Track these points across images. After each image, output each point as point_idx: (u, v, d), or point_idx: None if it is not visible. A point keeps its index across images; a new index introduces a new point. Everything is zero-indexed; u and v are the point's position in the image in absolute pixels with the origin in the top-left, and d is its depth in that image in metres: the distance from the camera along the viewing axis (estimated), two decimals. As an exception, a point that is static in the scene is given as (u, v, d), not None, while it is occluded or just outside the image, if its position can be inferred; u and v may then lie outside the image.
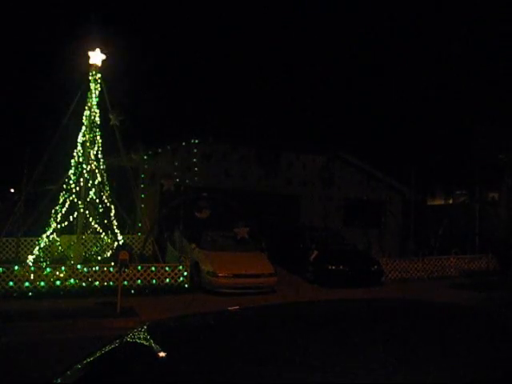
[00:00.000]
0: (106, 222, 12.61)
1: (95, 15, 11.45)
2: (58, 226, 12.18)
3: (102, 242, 13.39)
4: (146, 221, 13.70)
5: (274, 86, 24.04)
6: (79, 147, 12.26)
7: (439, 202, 28.65)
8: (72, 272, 10.42)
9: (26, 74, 19.44)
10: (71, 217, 12.14)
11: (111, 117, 12.15)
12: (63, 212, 12.17)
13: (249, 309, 2.39)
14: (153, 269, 11.12)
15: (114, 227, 12.34)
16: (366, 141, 23.32)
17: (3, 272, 9.95)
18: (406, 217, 18.82)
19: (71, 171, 12.26)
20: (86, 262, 11.87)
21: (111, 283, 10.50)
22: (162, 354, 1.71)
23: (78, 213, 11.94)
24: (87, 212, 12.15)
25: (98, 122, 12.26)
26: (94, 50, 11.83)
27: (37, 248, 12.05)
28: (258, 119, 20.65)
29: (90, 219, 12.49)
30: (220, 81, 23.38)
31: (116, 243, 11.57)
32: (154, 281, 11.01)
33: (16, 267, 10.08)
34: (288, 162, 18.21)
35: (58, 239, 12.75)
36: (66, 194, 12.30)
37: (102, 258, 12.99)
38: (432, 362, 1.47)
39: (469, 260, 15.65)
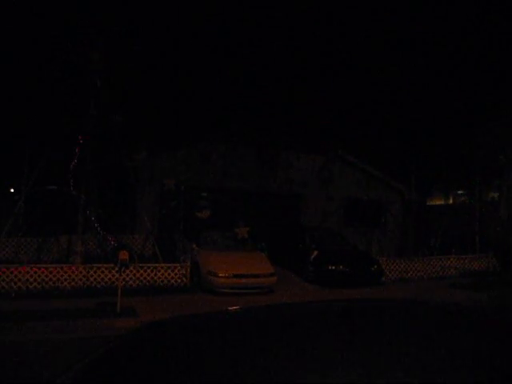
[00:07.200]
0: (106, 222, 12.60)
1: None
2: None
3: (102, 241, 13.38)
4: (146, 221, 13.70)
5: (274, 85, 24.03)
6: (79, 147, 12.25)
7: (439, 201, 28.66)
8: (72, 272, 10.43)
9: (25, 73, 19.42)
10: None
11: (112, 116, 12.15)
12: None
13: (249, 309, 2.39)
14: (153, 269, 11.13)
15: (114, 227, 12.34)
16: (365, 141, 23.31)
17: None
18: (405, 217, 18.83)
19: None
20: (86, 261, 11.87)
21: (111, 283, 10.50)
22: (161, 354, 1.71)
23: (78, 213, 11.94)
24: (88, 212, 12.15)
25: (98, 122, 12.26)
26: (94, 49, 11.83)
27: None
28: (257, 119, 20.64)
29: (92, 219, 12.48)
30: (220, 80, 23.38)
31: (116, 243, 11.57)
32: (154, 281, 11.01)
33: None
34: (288, 162, 18.21)
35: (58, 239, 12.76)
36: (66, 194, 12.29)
37: (102, 258, 12.99)
38: (431, 362, 1.47)
39: (469, 260, 15.65)
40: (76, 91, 12.03)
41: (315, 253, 13.30)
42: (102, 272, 10.63)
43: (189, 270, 11.42)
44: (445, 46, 24.82)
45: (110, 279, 10.58)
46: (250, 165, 17.57)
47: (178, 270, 11.30)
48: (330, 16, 26.96)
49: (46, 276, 10.21)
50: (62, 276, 10.33)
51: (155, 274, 11.08)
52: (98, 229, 12.95)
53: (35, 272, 10.15)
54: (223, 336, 1.87)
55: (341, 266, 12.81)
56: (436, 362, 1.47)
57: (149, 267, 11.13)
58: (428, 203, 26.51)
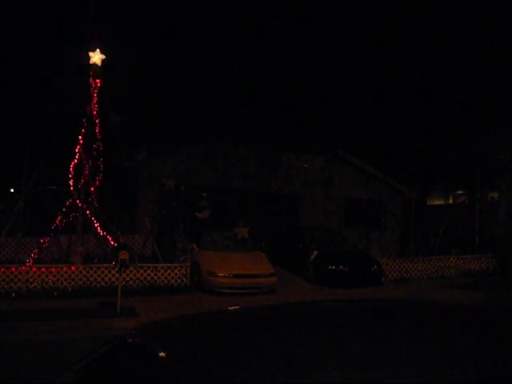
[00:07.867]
0: (106, 222, 12.59)
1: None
2: None
3: (102, 242, 13.36)
4: (146, 221, 13.69)
5: (275, 86, 24.02)
6: (79, 147, 12.25)
7: (439, 201, 28.66)
8: (72, 272, 10.43)
9: (25, 73, 19.45)
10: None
11: (112, 116, 12.15)
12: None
13: (249, 309, 2.39)
14: (153, 269, 11.12)
15: (114, 227, 12.33)
16: (365, 141, 23.32)
17: None
18: (405, 217, 18.82)
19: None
20: (86, 261, 11.86)
21: (111, 283, 10.49)
22: (161, 354, 1.71)
23: (78, 213, 11.94)
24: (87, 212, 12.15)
25: (98, 122, 12.26)
26: (94, 49, 11.83)
27: None
28: (258, 119, 20.64)
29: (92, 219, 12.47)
30: (220, 80, 23.38)
31: (116, 243, 11.56)
32: (153, 281, 11.01)
33: None
34: (288, 162, 18.19)
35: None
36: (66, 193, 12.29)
37: (102, 258, 12.97)
38: (431, 361, 1.47)
39: (469, 260, 15.65)
40: (76, 91, 12.03)
41: (315, 253, 13.30)
42: (102, 272, 10.63)
43: (189, 270, 11.42)
44: (445, 46, 24.81)
45: (109, 279, 10.58)
46: (250, 165, 17.55)
47: (178, 270, 11.30)
48: (331, 16, 26.98)
49: (46, 276, 10.21)
50: (62, 276, 10.34)
51: (155, 274, 11.07)
52: (98, 229, 12.95)
53: (35, 272, 10.15)
54: (223, 336, 1.87)
55: (341, 266, 12.81)
56: (436, 361, 1.47)
57: (149, 267, 11.13)
58: (428, 203, 26.49)
